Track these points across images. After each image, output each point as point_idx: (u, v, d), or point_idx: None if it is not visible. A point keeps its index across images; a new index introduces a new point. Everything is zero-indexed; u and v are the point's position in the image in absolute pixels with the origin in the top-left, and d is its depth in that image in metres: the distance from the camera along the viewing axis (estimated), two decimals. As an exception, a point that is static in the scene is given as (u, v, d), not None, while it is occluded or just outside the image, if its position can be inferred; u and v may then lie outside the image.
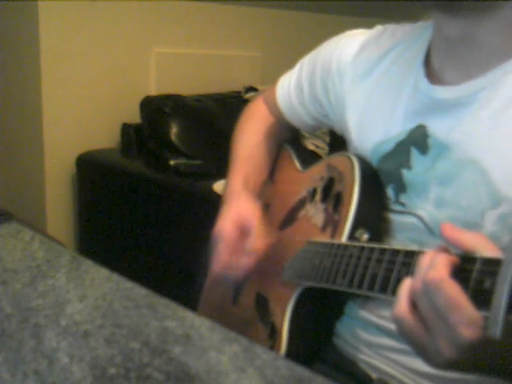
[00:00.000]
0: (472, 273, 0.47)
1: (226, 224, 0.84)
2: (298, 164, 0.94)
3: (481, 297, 0.45)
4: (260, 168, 0.95)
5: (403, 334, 0.53)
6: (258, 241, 0.81)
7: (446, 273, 0.48)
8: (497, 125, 0.63)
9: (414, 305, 0.51)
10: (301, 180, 0.90)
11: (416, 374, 0.71)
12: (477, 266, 0.47)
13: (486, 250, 0.48)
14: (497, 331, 0.42)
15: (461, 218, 0.64)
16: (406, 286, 0.52)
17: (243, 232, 0.83)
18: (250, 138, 0.98)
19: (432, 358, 0.52)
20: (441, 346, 0.49)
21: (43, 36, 1.98)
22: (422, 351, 0.53)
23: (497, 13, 0.62)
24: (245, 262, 0.80)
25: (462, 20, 0.64)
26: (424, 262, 0.51)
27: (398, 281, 0.55)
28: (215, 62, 2.51)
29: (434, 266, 0.49)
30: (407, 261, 0.55)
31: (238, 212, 0.84)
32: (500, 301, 0.42)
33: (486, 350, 0.48)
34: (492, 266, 0.45)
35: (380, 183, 0.74)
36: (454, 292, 0.47)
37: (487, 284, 0.45)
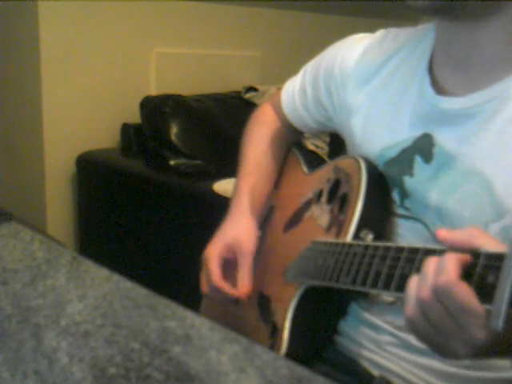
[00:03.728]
0: (476, 268, 0.47)
1: (216, 249, 0.87)
2: (304, 166, 0.95)
3: (484, 291, 0.46)
4: (268, 177, 0.97)
5: (416, 334, 0.54)
6: (244, 282, 0.84)
7: (455, 275, 0.48)
8: (503, 137, 0.63)
9: (424, 311, 0.51)
10: (307, 182, 0.90)
11: (421, 369, 0.71)
12: (481, 261, 0.47)
13: (483, 240, 0.49)
14: (499, 324, 0.43)
15: None
16: (413, 286, 0.52)
17: (234, 259, 0.87)
18: (258, 144, 0.99)
19: (445, 355, 0.53)
20: (455, 346, 0.50)
21: (43, 36, 1.98)
22: (434, 349, 0.53)
23: (497, 18, 0.62)
24: (231, 291, 0.84)
25: (462, 25, 0.64)
26: (430, 267, 0.51)
27: (402, 277, 0.55)
28: (215, 62, 2.51)
29: (443, 270, 0.49)
30: (411, 257, 0.55)
31: (235, 238, 0.88)
32: (503, 294, 0.43)
33: (499, 341, 0.49)
34: (495, 260, 0.46)
35: (386, 185, 0.74)
36: (465, 294, 0.47)
37: (490, 278, 0.46)
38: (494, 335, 0.47)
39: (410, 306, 0.52)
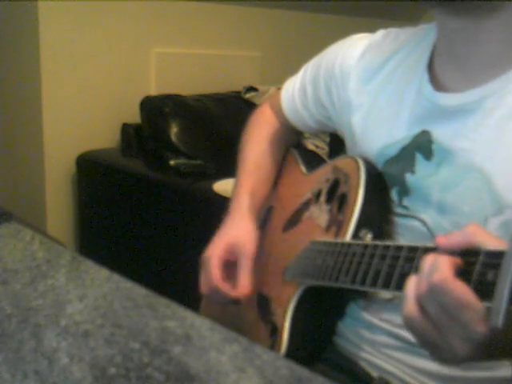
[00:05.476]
0: (475, 265, 0.47)
1: (217, 249, 0.86)
2: (303, 167, 0.95)
3: (484, 288, 0.46)
4: (267, 178, 0.97)
5: (414, 333, 0.53)
6: (244, 282, 0.83)
7: (450, 273, 0.48)
8: (502, 133, 0.63)
9: (422, 306, 0.51)
10: (306, 182, 0.90)
11: (418, 372, 0.71)
12: (480, 259, 0.47)
13: (482, 237, 0.49)
14: (499, 321, 0.43)
15: (464, 224, 0.64)
16: (412, 284, 0.52)
17: (234, 260, 0.85)
18: (257, 145, 0.99)
19: (444, 356, 0.52)
20: (454, 344, 0.49)
21: (43, 36, 1.98)
22: (433, 350, 0.53)
23: (499, 16, 0.62)
24: (231, 293, 0.83)
25: (465, 20, 0.64)
26: (427, 263, 0.51)
27: (402, 276, 0.55)
28: (215, 62, 2.51)
29: (438, 268, 0.49)
30: (411, 256, 0.55)
31: (235, 238, 0.87)
32: (502, 292, 0.43)
33: (498, 340, 0.48)
34: (495, 258, 0.46)
35: (385, 185, 0.74)
36: (461, 291, 0.47)
37: (490, 276, 0.46)
38: (493, 332, 0.47)
39: (409, 305, 0.52)
